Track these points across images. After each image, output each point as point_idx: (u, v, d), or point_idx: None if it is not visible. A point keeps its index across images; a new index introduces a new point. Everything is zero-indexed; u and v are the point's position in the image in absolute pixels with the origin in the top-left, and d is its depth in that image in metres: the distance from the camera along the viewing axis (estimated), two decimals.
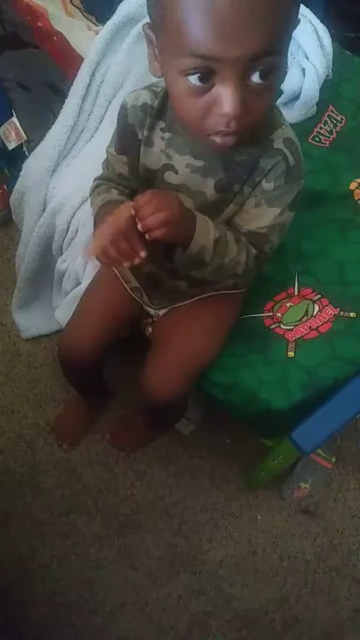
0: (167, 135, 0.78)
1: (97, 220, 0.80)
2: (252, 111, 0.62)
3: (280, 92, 1.03)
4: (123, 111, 0.80)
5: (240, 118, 0.62)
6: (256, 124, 0.66)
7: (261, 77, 0.60)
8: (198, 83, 0.61)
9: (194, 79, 0.60)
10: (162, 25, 0.60)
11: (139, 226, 0.68)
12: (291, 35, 0.63)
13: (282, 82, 0.66)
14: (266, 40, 0.57)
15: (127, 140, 0.81)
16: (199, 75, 0.60)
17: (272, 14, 0.56)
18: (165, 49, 0.63)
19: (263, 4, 0.55)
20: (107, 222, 0.69)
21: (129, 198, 0.83)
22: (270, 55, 0.59)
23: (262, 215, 0.79)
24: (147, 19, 1.12)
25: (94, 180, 0.88)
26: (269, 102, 0.65)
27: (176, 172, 0.79)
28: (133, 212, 0.67)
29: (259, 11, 0.55)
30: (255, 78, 0.60)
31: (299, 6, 0.62)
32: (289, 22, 0.60)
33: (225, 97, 0.60)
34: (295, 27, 0.63)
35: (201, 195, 0.79)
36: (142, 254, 0.69)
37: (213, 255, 0.76)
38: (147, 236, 0.69)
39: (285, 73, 0.66)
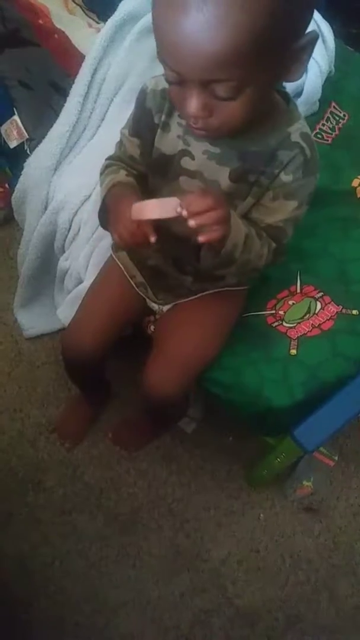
0: (185, 121, 0.77)
1: (108, 201, 0.81)
2: (218, 116, 0.65)
3: (283, 89, 1.03)
4: (142, 95, 0.81)
5: (204, 120, 0.66)
6: (227, 129, 0.68)
7: (222, 94, 0.62)
8: (174, 79, 0.65)
9: (170, 76, 0.65)
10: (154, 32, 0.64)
11: (191, 223, 0.66)
12: (275, 61, 0.63)
13: (261, 102, 0.66)
14: (213, 69, 0.60)
15: (142, 123, 0.82)
16: (172, 75, 0.64)
17: (222, 45, 0.57)
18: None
19: (210, 35, 0.57)
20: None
21: (137, 180, 0.84)
22: (221, 83, 0.61)
23: (280, 208, 0.79)
24: (147, 20, 1.13)
25: (106, 159, 0.89)
26: (240, 112, 0.65)
27: (193, 158, 0.79)
28: (179, 209, 0.66)
29: (195, 41, 0.58)
30: (219, 92, 0.63)
31: (276, 40, 0.60)
32: (252, 52, 0.59)
33: (188, 99, 0.64)
34: (282, 54, 0.62)
35: (215, 185, 0.80)
36: (152, 239, 0.72)
37: (242, 251, 0.76)
38: (200, 238, 0.69)
39: (266, 95, 0.68)
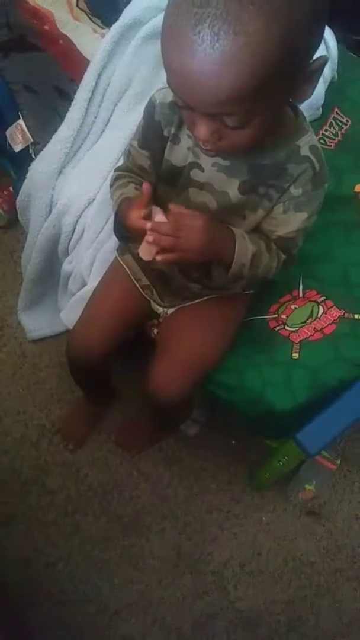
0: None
1: (120, 218, 0.82)
2: (228, 141, 0.66)
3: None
4: (151, 107, 0.81)
5: (213, 143, 0.66)
6: (243, 149, 0.68)
7: (233, 123, 0.63)
8: (184, 106, 0.65)
9: (180, 101, 0.65)
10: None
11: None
12: (285, 89, 0.63)
13: (272, 125, 0.67)
14: (221, 102, 0.59)
15: (152, 136, 0.82)
16: (182, 101, 0.64)
17: (228, 80, 0.57)
18: None
19: (207, 76, 0.57)
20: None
21: None
22: (231, 116, 0.61)
23: (291, 220, 0.81)
24: (151, 26, 1.13)
25: (114, 170, 0.90)
26: (250, 136, 0.66)
27: (202, 170, 0.80)
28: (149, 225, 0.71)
29: (203, 81, 0.58)
30: (228, 122, 0.63)
31: (283, 74, 0.60)
32: (254, 90, 0.59)
33: (198, 124, 0.65)
34: (292, 82, 0.63)
35: (225, 196, 0.81)
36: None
37: (250, 268, 0.79)
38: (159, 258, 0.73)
39: (276, 117, 0.69)
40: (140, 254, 0.75)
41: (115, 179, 0.88)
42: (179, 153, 0.81)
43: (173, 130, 0.80)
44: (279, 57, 0.57)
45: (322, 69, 0.65)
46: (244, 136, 0.65)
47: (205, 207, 0.82)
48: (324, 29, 0.63)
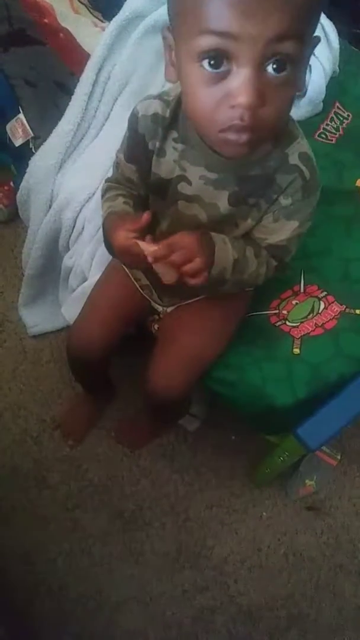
0: (180, 146, 0.77)
1: (105, 231, 0.80)
2: (268, 105, 0.60)
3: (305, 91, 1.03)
4: (134, 120, 0.78)
5: (254, 111, 0.59)
6: (271, 127, 0.63)
7: (278, 69, 0.58)
8: (211, 69, 0.58)
9: (207, 65, 0.58)
10: (181, 5, 0.59)
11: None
12: (314, 37, 0.61)
13: (304, 84, 0.65)
14: (286, 20, 0.55)
15: (137, 149, 0.80)
16: (213, 59, 0.57)
17: None
18: (181, 35, 0.60)
19: None
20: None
21: (135, 202, 0.83)
22: (289, 40, 0.56)
23: (282, 229, 0.80)
24: (152, 19, 1.12)
25: (105, 181, 0.88)
26: (287, 101, 0.63)
27: (190, 184, 0.78)
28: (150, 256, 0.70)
29: None
30: (272, 70, 0.58)
31: (322, 6, 0.60)
32: (314, 9, 0.58)
33: (240, 85, 0.58)
34: (315, 29, 0.61)
35: (214, 208, 0.79)
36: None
37: (232, 273, 0.78)
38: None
39: (305, 70, 0.64)
40: (164, 280, 0.75)
41: (106, 190, 0.86)
42: (166, 166, 0.79)
43: (158, 143, 0.77)
44: None
45: (312, 52, 0.64)
46: (280, 99, 0.60)
47: (196, 219, 0.81)
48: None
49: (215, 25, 0.56)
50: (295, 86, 0.62)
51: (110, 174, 0.90)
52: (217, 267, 0.76)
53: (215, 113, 0.61)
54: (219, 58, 0.58)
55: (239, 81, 0.58)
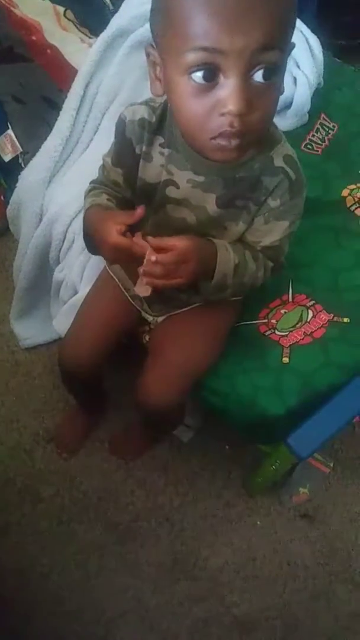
0: (166, 151, 0.79)
1: (86, 225, 0.81)
2: (256, 111, 0.63)
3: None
4: (121, 124, 0.80)
5: (243, 117, 0.62)
6: (259, 131, 0.66)
7: (264, 76, 0.61)
8: (201, 81, 0.61)
9: (197, 77, 0.61)
10: (168, 24, 0.61)
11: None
12: (290, 43, 0.64)
13: (282, 90, 0.67)
14: (269, 32, 0.59)
15: (124, 153, 0.82)
16: (202, 71, 0.61)
17: (277, 7, 0.58)
18: (169, 52, 0.63)
19: None
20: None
21: (119, 203, 0.83)
22: (274, 50, 0.60)
23: (274, 230, 0.82)
24: (138, 35, 1.13)
25: (90, 183, 0.89)
26: (272, 105, 0.66)
27: (177, 187, 0.80)
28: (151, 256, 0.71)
29: (265, 3, 0.57)
30: (258, 77, 0.61)
31: (296, 12, 0.63)
32: (291, 20, 0.62)
33: (229, 94, 0.61)
34: (291, 35, 0.64)
35: (203, 210, 0.81)
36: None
37: (234, 278, 0.79)
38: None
39: (284, 72, 0.67)
40: (137, 291, 0.76)
41: (90, 190, 0.87)
42: (152, 171, 0.81)
43: (144, 148, 0.79)
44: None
45: (289, 55, 0.67)
46: (266, 104, 0.64)
47: (184, 222, 0.83)
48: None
49: (204, 42, 0.59)
50: (278, 91, 0.66)
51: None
52: (219, 273, 0.78)
53: (206, 121, 0.64)
54: (208, 71, 0.61)
55: (228, 91, 0.61)
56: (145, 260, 0.71)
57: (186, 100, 0.64)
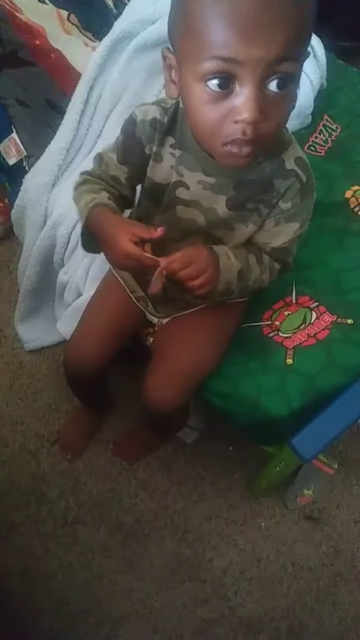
0: (177, 152, 0.79)
1: (91, 222, 0.77)
2: (269, 120, 0.64)
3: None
4: (131, 124, 0.80)
5: (257, 126, 0.63)
6: (271, 139, 0.67)
7: (279, 86, 0.62)
8: (217, 89, 0.62)
9: (213, 85, 0.62)
10: (187, 30, 0.62)
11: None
12: (305, 51, 0.65)
13: (296, 98, 0.67)
14: (288, 44, 0.59)
15: (132, 152, 0.81)
16: (218, 80, 0.61)
17: (295, 19, 0.59)
18: (185, 58, 0.64)
19: (287, 9, 0.58)
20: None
21: (116, 201, 0.81)
22: (290, 61, 0.61)
23: (284, 232, 0.82)
24: (141, 38, 1.13)
25: (81, 174, 0.86)
26: (285, 114, 0.66)
27: (188, 189, 0.80)
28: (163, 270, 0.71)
29: (283, 15, 0.58)
30: (273, 87, 0.62)
31: (313, 23, 0.63)
32: (308, 32, 0.62)
33: (243, 102, 0.62)
34: (308, 45, 0.64)
35: (213, 212, 0.81)
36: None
37: (238, 283, 0.80)
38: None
39: (296, 91, 0.67)
40: (149, 290, 0.75)
41: (84, 182, 0.84)
42: (162, 171, 0.81)
43: (155, 148, 0.79)
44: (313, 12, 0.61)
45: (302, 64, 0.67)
46: (279, 113, 0.64)
47: (193, 223, 0.83)
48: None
49: (221, 52, 0.59)
50: (292, 99, 0.66)
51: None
52: (223, 281, 0.78)
53: (219, 128, 0.65)
54: (224, 80, 0.61)
55: (243, 99, 0.62)
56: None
57: (201, 106, 0.65)
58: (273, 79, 0.61)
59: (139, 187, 0.88)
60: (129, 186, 0.85)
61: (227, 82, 0.61)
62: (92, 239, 0.80)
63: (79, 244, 1.15)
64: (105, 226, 0.75)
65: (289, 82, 0.63)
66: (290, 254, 0.87)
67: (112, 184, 0.84)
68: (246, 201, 0.80)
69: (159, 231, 0.71)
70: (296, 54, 0.62)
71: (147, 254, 0.71)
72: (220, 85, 0.62)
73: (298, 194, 0.79)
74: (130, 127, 0.80)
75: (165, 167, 0.80)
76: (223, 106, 0.63)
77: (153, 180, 0.82)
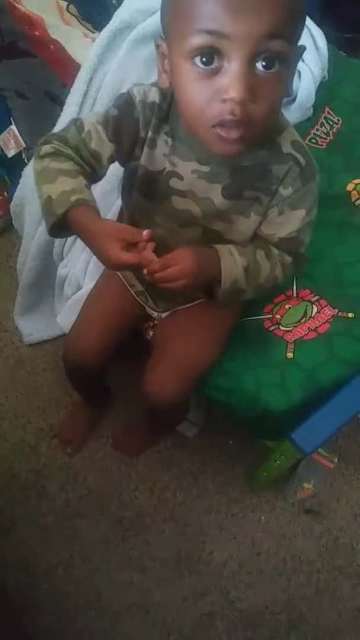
0: (170, 141, 0.78)
1: (74, 223, 0.70)
2: (258, 101, 0.62)
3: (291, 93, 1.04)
4: (129, 102, 0.76)
5: (245, 106, 0.61)
6: (262, 124, 0.65)
7: (268, 65, 0.61)
8: (203, 66, 0.61)
9: (199, 61, 0.61)
10: (175, 8, 0.62)
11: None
12: (298, 43, 0.64)
13: (291, 81, 0.66)
14: (275, 20, 0.58)
15: (127, 132, 0.77)
16: (205, 56, 0.60)
17: None
18: (174, 38, 0.63)
19: None
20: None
21: (88, 180, 0.75)
22: (278, 39, 0.59)
23: (290, 220, 0.80)
24: (141, 29, 1.12)
25: (52, 137, 0.76)
26: (276, 97, 0.65)
27: (181, 179, 0.79)
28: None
29: None
30: (261, 66, 0.61)
31: (305, 7, 0.63)
32: (299, 13, 0.61)
33: (230, 80, 0.60)
34: (301, 32, 0.64)
35: (208, 202, 0.80)
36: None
37: (247, 280, 0.78)
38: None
39: (293, 74, 0.67)
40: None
41: (54, 154, 0.74)
42: (155, 159, 0.79)
43: (150, 134, 0.77)
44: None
45: (299, 58, 0.66)
46: (269, 94, 0.62)
47: (189, 214, 0.82)
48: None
49: (208, 24, 0.59)
50: (284, 85, 0.65)
51: (99, 187, 0.89)
52: (228, 279, 0.76)
53: (207, 108, 0.63)
54: (210, 55, 0.60)
55: (230, 76, 0.60)
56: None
57: (189, 85, 0.63)
58: (262, 58, 0.60)
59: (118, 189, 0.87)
60: (107, 166, 0.79)
61: (212, 57, 0.60)
62: (65, 231, 0.74)
63: (78, 238, 1.15)
64: (91, 230, 0.70)
65: (280, 62, 0.61)
66: (301, 244, 0.83)
67: (88, 160, 0.76)
68: (243, 189, 0.78)
69: (146, 234, 0.68)
70: (287, 33, 0.60)
71: (145, 255, 0.69)
72: (207, 62, 0.61)
73: (298, 178, 0.77)
74: (128, 105, 0.76)
75: (158, 154, 0.79)
76: (211, 84, 0.62)
77: (147, 169, 0.80)
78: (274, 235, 0.82)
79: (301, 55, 0.66)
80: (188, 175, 0.78)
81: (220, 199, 0.79)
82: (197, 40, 0.60)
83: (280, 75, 0.63)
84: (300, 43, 0.66)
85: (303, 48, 0.66)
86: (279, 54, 0.61)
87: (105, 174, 0.81)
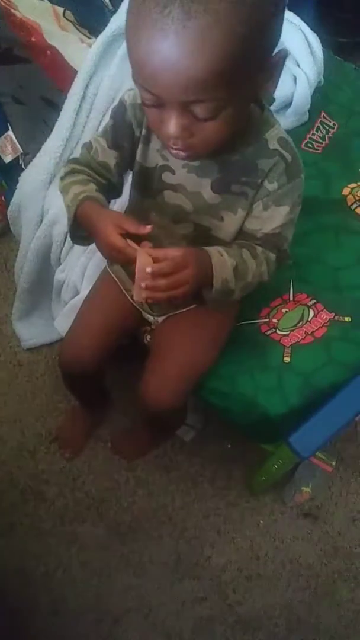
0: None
1: (80, 215, 0.78)
2: (198, 137, 0.66)
3: (273, 100, 1.05)
4: (121, 108, 0.81)
5: (184, 140, 0.67)
6: (208, 149, 0.69)
7: (205, 113, 0.63)
8: (152, 103, 0.65)
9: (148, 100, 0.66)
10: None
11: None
12: (251, 80, 0.64)
13: (240, 119, 0.68)
14: (193, 89, 0.60)
15: (122, 136, 0.82)
16: (150, 102, 0.65)
17: (199, 65, 0.58)
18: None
19: (182, 59, 0.57)
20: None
21: (104, 191, 0.82)
22: (204, 103, 0.62)
23: (274, 216, 0.81)
24: None
25: (69, 162, 0.86)
26: (216, 132, 0.66)
27: (173, 173, 0.81)
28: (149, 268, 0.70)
29: (178, 65, 0.58)
30: (198, 112, 0.63)
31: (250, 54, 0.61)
32: (223, 77, 0.60)
33: (167, 119, 0.65)
34: (238, 85, 0.63)
35: (199, 197, 0.82)
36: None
37: (236, 281, 0.79)
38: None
39: (279, 76, 0.67)
40: (135, 297, 0.75)
41: (70, 172, 0.83)
42: (149, 154, 0.82)
43: (144, 131, 0.81)
44: (246, 37, 0.58)
45: (284, 63, 0.66)
46: (215, 130, 0.66)
47: (181, 209, 0.84)
48: (282, 21, 0.65)
49: (144, 84, 0.63)
50: (225, 123, 0.66)
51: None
52: (219, 279, 0.77)
53: (159, 130, 0.69)
54: (154, 101, 0.64)
55: (167, 116, 0.65)
56: (138, 272, 0.71)
57: (145, 107, 0.68)
58: (196, 107, 0.63)
59: (127, 189, 0.87)
60: (117, 173, 0.85)
61: (158, 102, 0.64)
62: (81, 232, 0.81)
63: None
64: (94, 218, 0.76)
65: (215, 111, 0.63)
66: (284, 240, 0.84)
67: (99, 172, 0.84)
68: (230, 183, 0.80)
69: (148, 228, 0.72)
70: (211, 95, 0.61)
71: (130, 246, 0.71)
72: (153, 105, 0.65)
73: (284, 174, 0.78)
74: (120, 110, 0.81)
75: (152, 150, 0.82)
76: (159, 115, 0.66)
77: (142, 165, 0.83)
78: (259, 231, 0.83)
79: (283, 59, 0.66)
80: (179, 169, 0.81)
81: (210, 193, 0.81)
82: (141, 90, 0.64)
83: (218, 119, 0.64)
84: (295, 48, 0.66)
85: (284, 52, 0.66)
86: (211, 108, 0.63)
87: (121, 183, 0.87)
